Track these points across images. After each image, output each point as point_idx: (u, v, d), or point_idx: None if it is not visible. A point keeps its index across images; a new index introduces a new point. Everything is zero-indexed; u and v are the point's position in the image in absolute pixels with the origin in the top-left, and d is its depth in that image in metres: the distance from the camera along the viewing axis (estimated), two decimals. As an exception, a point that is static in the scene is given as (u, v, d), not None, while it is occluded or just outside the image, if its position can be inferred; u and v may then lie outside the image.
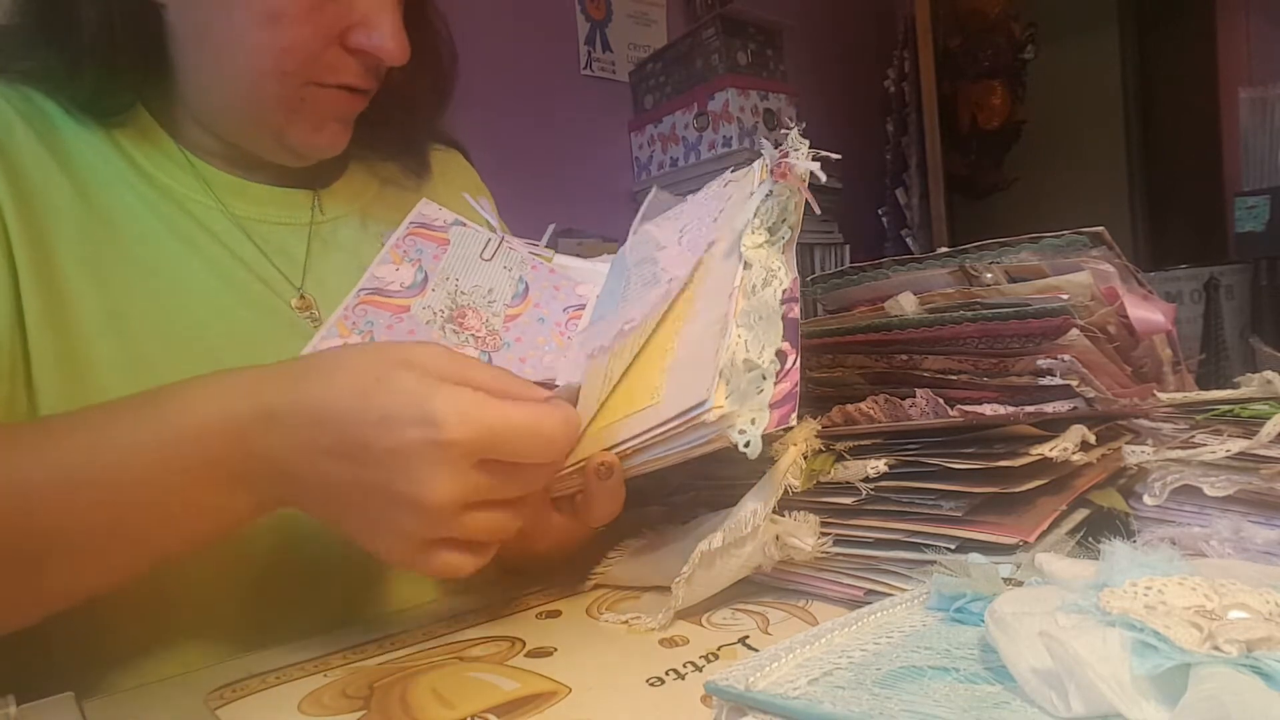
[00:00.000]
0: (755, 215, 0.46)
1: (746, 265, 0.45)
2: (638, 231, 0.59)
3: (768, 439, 0.39)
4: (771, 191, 0.46)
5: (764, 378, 0.39)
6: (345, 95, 0.56)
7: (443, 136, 0.74)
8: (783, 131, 0.49)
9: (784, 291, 0.43)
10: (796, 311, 0.43)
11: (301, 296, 0.58)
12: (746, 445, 0.38)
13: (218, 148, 0.59)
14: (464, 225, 0.60)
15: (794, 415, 0.39)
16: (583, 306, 0.57)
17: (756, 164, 0.51)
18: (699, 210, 0.55)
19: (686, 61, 2.12)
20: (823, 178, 0.46)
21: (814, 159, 0.45)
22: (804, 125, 0.49)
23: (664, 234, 0.56)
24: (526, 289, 0.58)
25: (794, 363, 0.41)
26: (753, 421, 0.38)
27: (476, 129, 0.78)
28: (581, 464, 0.42)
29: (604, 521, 0.44)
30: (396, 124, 0.67)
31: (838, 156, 0.46)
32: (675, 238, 0.54)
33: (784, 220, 0.46)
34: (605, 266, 0.60)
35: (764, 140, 0.50)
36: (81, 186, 0.53)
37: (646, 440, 0.41)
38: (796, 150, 0.46)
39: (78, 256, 0.51)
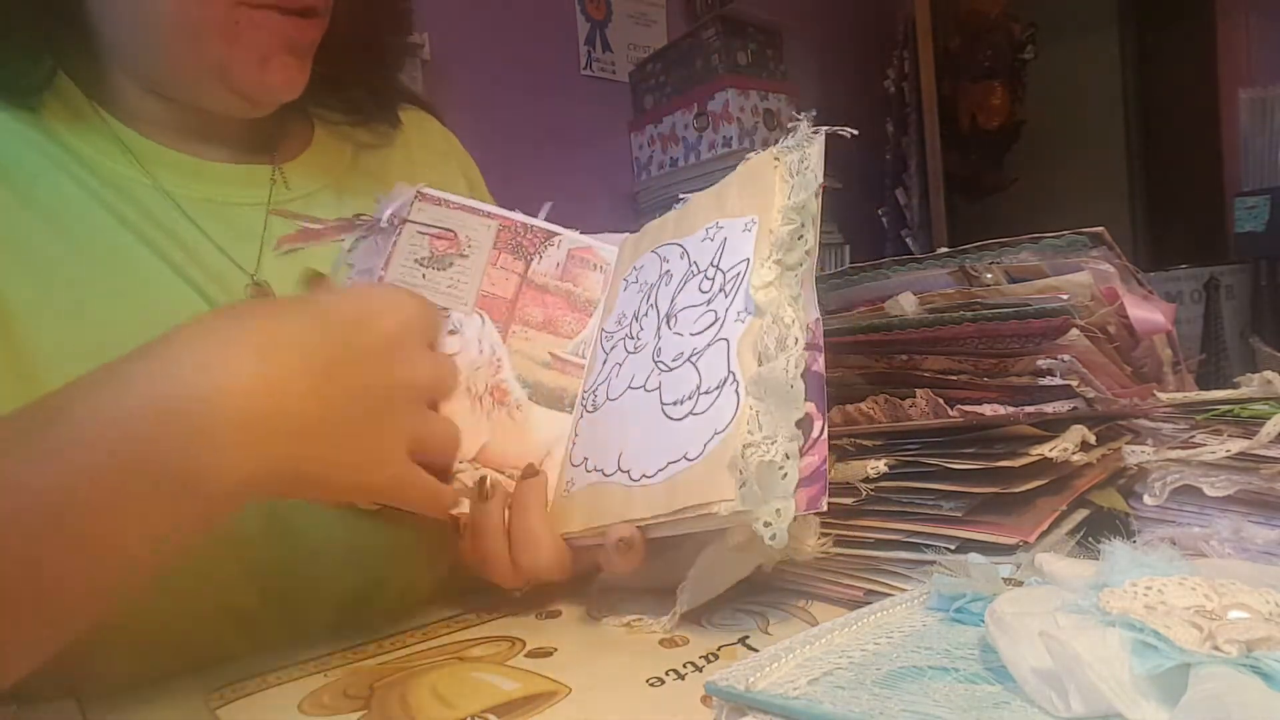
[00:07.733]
0: (765, 242, 0.41)
1: (757, 311, 0.40)
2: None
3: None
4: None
5: (783, 472, 0.36)
6: (288, 19, 0.49)
7: (409, 94, 0.68)
8: (789, 125, 0.46)
9: (802, 357, 0.38)
10: (820, 363, 0.38)
11: (255, 284, 0.52)
12: (773, 539, 0.35)
13: (164, 115, 0.52)
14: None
15: (825, 496, 0.36)
16: None
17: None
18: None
19: (686, 61, 2.12)
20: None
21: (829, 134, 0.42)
22: (814, 113, 0.46)
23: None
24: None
25: (822, 430, 0.37)
26: (778, 513, 0.35)
27: (476, 129, 0.78)
28: (603, 529, 0.42)
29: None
30: (360, 71, 0.61)
31: (853, 132, 0.43)
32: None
33: (801, 241, 0.41)
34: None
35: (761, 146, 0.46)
36: (12, 183, 0.47)
37: (658, 523, 0.41)
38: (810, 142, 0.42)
39: (20, 263, 0.45)
